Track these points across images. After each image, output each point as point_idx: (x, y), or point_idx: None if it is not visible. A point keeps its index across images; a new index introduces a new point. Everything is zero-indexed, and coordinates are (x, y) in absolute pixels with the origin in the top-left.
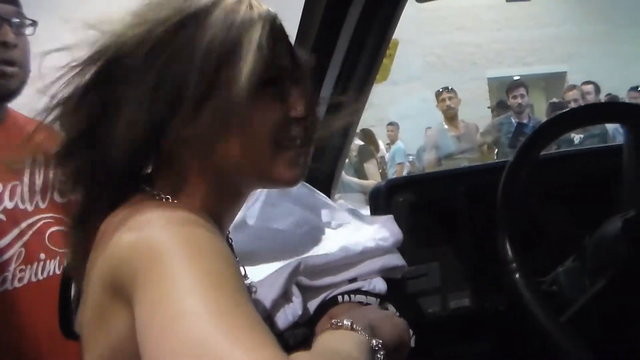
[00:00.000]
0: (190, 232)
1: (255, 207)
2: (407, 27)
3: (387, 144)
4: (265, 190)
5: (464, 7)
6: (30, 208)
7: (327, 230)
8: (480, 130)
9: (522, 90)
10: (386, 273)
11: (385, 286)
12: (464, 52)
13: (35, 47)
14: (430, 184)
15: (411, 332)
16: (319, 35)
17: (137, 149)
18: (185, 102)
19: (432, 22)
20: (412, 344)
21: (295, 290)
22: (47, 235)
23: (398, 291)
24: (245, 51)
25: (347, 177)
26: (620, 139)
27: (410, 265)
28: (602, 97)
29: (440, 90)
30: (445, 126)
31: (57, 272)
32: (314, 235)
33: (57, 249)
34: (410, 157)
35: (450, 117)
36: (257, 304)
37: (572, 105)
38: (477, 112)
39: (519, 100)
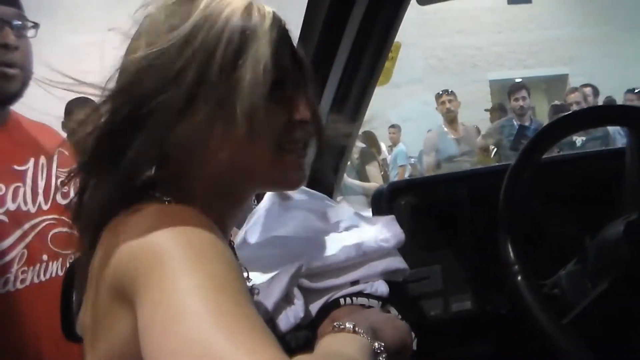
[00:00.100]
0: (192, 234)
1: (255, 226)
2: (408, 29)
3: (389, 147)
4: (264, 207)
5: (465, 9)
6: (33, 209)
7: (330, 233)
8: (482, 133)
9: (523, 93)
10: (388, 276)
11: (388, 289)
12: (465, 55)
13: (37, 49)
14: (432, 186)
15: (413, 335)
16: (322, 37)
17: (148, 156)
18: (192, 107)
19: (434, 24)
20: (414, 346)
21: (297, 292)
22: (49, 236)
23: (400, 294)
24: (254, 56)
25: (349, 179)
26: (621, 142)
27: (412, 268)
28: (602, 100)
29: (440, 93)
30: (445, 129)
31: (60, 273)
32: (318, 239)
33: (59, 251)
34: (412, 159)
35: (450, 119)
36: (259, 306)
37: (575, 107)
38: (478, 114)
39: (521, 102)
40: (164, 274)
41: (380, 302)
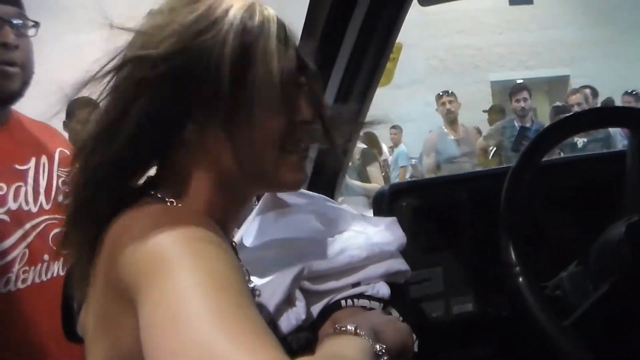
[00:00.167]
0: (194, 235)
1: (252, 227)
2: (410, 30)
3: (390, 147)
4: (258, 210)
5: (466, 10)
6: (34, 209)
7: (331, 234)
8: (484, 134)
9: (525, 94)
10: (390, 278)
11: (389, 291)
12: (466, 56)
13: (38, 49)
14: (434, 188)
15: (414, 336)
16: (323, 38)
17: (147, 148)
18: (195, 106)
19: (435, 25)
20: (416, 348)
21: (298, 294)
22: (51, 236)
23: (401, 296)
24: (259, 57)
25: (350, 180)
26: (622, 143)
27: (413, 269)
28: (600, 101)
29: (441, 94)
30: (445, 130)
31: (61, 273)
32: (319, 240)
33: None
34: (413, 160)
35: (451, 120)
36: (260, 307)
37: (576, 108)
38: (479, 115)
39: (522, 103)
40: (166, 275)
41: (382, 304)
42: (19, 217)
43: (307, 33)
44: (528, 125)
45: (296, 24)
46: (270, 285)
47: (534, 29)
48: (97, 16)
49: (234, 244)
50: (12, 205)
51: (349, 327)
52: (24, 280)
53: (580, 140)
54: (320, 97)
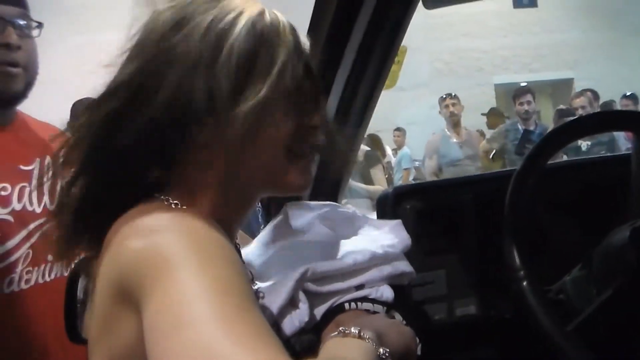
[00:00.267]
0: (198, 237)
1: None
2: (414, 33)
3: (394, 150)
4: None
5: (471, 13)
6: (38, 210)
7: (335, 236)
8: (487, 137)
9: (529, 97)
10: (394, 279)
11: (393, 294)
12: (470, 59)
13: (42, 50)
14: (437, 191)
15: (417, 340)
16: (328, 41)
17: (154, 151)
18: (205, 110)
19: (440, 28)
20: (419, 352)
21: (302, 296)
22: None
23: (404, 298)
24: (271, 61)
25: (353, 182)
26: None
27: (416, 272)
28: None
29: (444, 96)
30: (448, 133)
31: (64, 274)
32: (324, 242)
33: None
34: (417, 162)
35: (454, 123)
36: (264, 309)
37: (580, 112)
38: (483, 118)
39: (526, 106)
40: (170, 277)
41: (385, 308)
42: (23, 217)
43: (312, 35)
44: (532, 128)
45: (301, 26)
46: (273, 287)
47: (538, 31)
48: (101, 17)
49: (238, 245)
50: (16, 205)
51: (352, 330)
52: (27, 281)
53: (584, 144)
54: (324, 101)
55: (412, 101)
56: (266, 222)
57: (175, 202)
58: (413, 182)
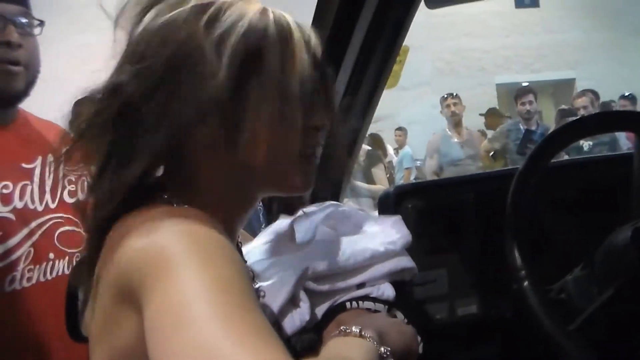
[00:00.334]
0: (199, 237)
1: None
2: (416, 32)
3: (395, 149)
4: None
5: (473, 13)
6: (40, 208)
7: (336, 234)
8: (488, 137)
9: (530, 97)
10: (395, 276)
11: (394, 292)
12: (472, 58)
13: (44, 48)
14: (439, 190)
15: (419, 339)
16: (330, 40)
17: (157, 154)
18: (211, 110)
19: (442, 28)
20: (420, 351)
21: (303, 295)
22: (56, 235)
23: (406, 297)
24: (278, 60)
25: (355, 181)
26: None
27: (418, 271)
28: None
29: (445, 96)
30: (449, 132)
31: (66, 272)
32: (325, 241)
33: (66, 249)
34: (418, 162)
35: (455, 123)
36: (264, 308)
37: (582, 112)
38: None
39: (528, 106)
40: (171, 276)
41: (386, 307)
42: (24, 215)
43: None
44: (533, 128)
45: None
46: (274, 286)
47: (539, 32)
48: (103, 16)
49: (239, 244)
50: (17, 203)
51: (353, 329)
52: (28, 279)
53: (586, 144)
54: (334, 103)
55: (413, 100)
56: (267, 221)
57: (177, 201)
58: (414, 181)
